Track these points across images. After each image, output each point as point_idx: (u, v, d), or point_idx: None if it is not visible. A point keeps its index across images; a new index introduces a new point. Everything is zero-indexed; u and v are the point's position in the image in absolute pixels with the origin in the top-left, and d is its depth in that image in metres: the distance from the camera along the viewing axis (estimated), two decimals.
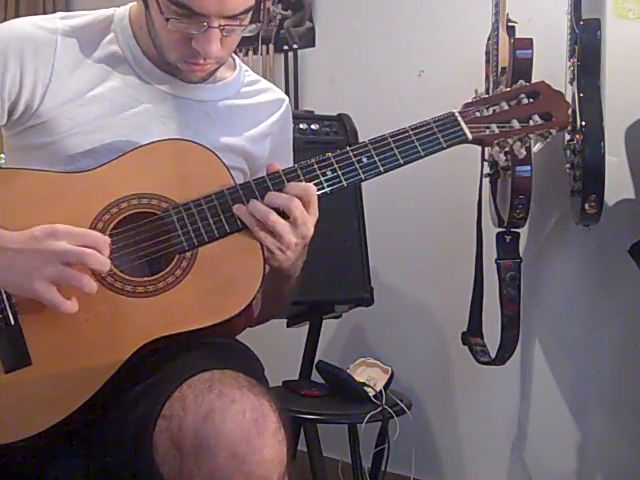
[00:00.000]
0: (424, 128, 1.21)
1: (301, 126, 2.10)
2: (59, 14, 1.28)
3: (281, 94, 1.43)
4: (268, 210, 1.13)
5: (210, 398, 0.99)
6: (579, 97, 1.90)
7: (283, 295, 1.31)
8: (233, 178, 1.18)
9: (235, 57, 1.38)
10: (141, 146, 1.18)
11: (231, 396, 0.99)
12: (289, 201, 1.13)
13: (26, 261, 1.06)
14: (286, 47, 2.66)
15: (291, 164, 1.43)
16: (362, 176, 1.18)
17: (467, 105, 1.24)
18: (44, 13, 3.22)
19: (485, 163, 2.07)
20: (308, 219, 1.14)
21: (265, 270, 1.13)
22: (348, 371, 2.05)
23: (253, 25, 1.21)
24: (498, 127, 1.23)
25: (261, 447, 0.96)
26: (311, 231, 1.15)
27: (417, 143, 1.20)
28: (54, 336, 1.08)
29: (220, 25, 1.16)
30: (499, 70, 1.96)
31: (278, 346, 2.40)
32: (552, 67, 2.00)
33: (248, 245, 1.14)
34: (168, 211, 1.14)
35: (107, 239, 1.09)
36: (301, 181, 1.16)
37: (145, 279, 1.12)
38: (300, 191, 1.14)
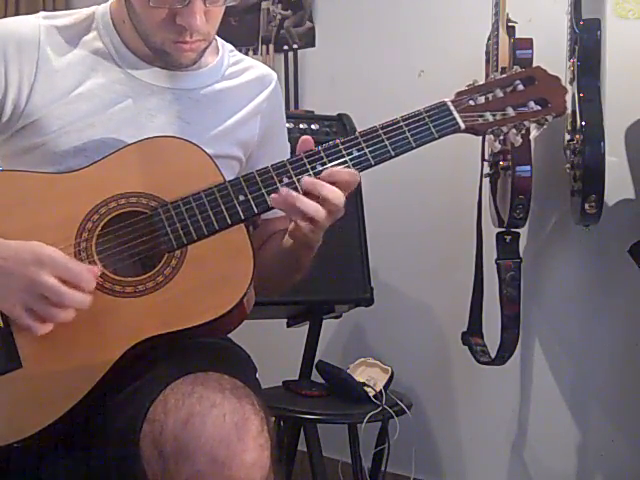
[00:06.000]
0: (415, 118, 1.18)
1: (301, 126, 2.10)
2: (42, 14, 1.28)
3: (267, 70, 1.41)
4: (305, 200, 1.11)
5: (191, 402, 0.98)
6: (579, 97, 1.90)
7: (305, 264, 1.29)
8: (222, 174, 1.17)
9: (218, 39, 1.37)
10: (129, 145, 1.18)
11: (212, 400, 0.98)
12: (323, 188, 1.11)
13: (7, 282, 1.06)
14: (286, 47, 2.66)
15: (286, 144, 1.42)
16: (352, 170, 1.16)
17: (460, 93, 1.21)
18: None
19: (485, 163, 2.07)
20: (337, 198, 1.13)
21: (255, 268, 1.12)
22: (348, 371, 2.05)
23: None
24: (492, 115, 1.20)
25: (241, 451, 0.96)
26: (342, 211, 1.14)
27: (408, 134, 1.17)
28: (44, 338, 1.07)
29: None
30: (499, 70, 1.96)
31: (278, 346, 2.40)
32: (552, 67, 1.98)
33: (238, 242, 1.13)
34: (157, 210, 1.14)
35: (94, 270, 1.08)
36: (290, 176, 1.14)
37: (135, 279, 1.11)
38: (344, 177, 1.13)
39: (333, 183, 1.13)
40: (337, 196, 1.12)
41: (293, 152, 1.28)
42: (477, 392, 2.36)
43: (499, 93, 1.21)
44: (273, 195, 1.13)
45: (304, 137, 1.17)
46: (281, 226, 1.34)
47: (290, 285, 1.36)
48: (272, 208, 1.15)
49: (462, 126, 1.19)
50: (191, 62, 1.25)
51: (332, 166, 1.15)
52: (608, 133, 1.87)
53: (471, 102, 1.20)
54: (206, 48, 1.26)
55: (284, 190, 1.12)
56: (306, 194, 1.12)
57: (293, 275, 1.32)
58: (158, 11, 1.18)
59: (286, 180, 1.14)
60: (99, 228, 1.12)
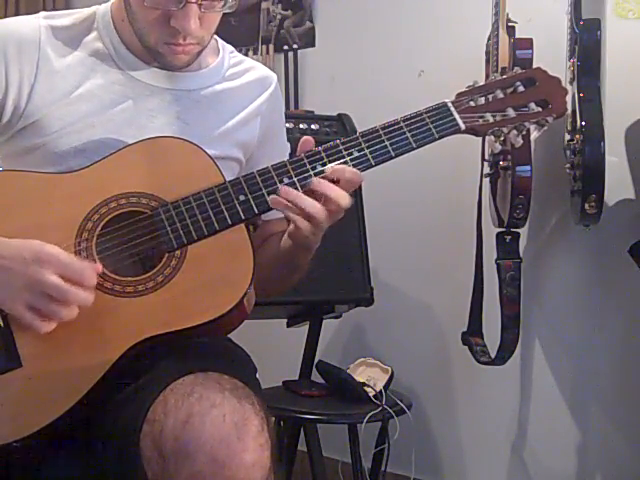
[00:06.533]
0: (416, 119, 1.19)
1: (301, 126, 2.11)
2: (42, 14, 1.28)
3: (268, 71, 1.41)
4: (306, 198, 1.12)
5: (190, 402, 0.98)
6: (579, 97, 1.90)
7: (303, 266, 1.30)
8: (222, 174, 1.17)
9: (218, 39, 1.37)
10: (129, 145, 1.18)
11: (212, 400, 0.98)
12: (327, 188, 1.12)
13: (9, 281, 1.05)
14: (286, 47, 2.66)
15: (286, 145, 1.42)
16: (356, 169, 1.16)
17: (460, 94, 1.21)
18: None
19: (485, 163, 2.07)
20: (342, 199, 1.14)
21: (255, 267, 1.12)
22: (348, 371, 2.05)
23: (233, 1, 1.20)
24: (492, 116, 1.20)
25: (241, 451, 0.96)
26: (342, 212, 1.15)
27: (409, 134, 1.17)
28: (44, 337, 1.07)
29: (198, 0, 1.16)
30: (499, 70, 1.96)
31: (278, 346, 2.40)
32: (552, 67, 1.98)
33: (238, 242, 1.14)
34: (157, 210, 1.14)
35: (95, 267, 1.08)
36: (291, 176, 1.14)
37: (135, 278, 1.11)
38: (349, 175, 1.13)
39: (337, 181, 1.13)
40: (340, 195, 1.13)
41: (293, 152, 1.29)
42: (477, 392, 2.36)
43: (499, 94, 1.22)
44: (273, 196, 1.13)
45: (305, 137, 1.18)
46: (279, 228, 1.34)
47: (288, 287, 1.36)
48: (272, 208, 1.15)
49: (462, 127, 1.20)
50: (184, 64, 1.25)
51: (332, 167, 1.15)
52: (608, 133, 1.87)
53: (471, 103, 1.21)
54: (201, 51, 1.26)
55: (284, 188, 1.13)
56: (307, 194, 1.13)
57: (291, 277, 1.32)
58: (153, 11, 1.18)
59: (286, 180, 1.15)
60: (99, 228, 1.12)
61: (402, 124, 1.18)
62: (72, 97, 1.23)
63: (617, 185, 2.03)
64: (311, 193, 1.13)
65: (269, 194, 1.14)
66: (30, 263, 1.05)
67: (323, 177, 1.14)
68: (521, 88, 1.22)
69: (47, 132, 1.21)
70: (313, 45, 2.66)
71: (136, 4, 1.19)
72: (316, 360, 2.14)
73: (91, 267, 1.07)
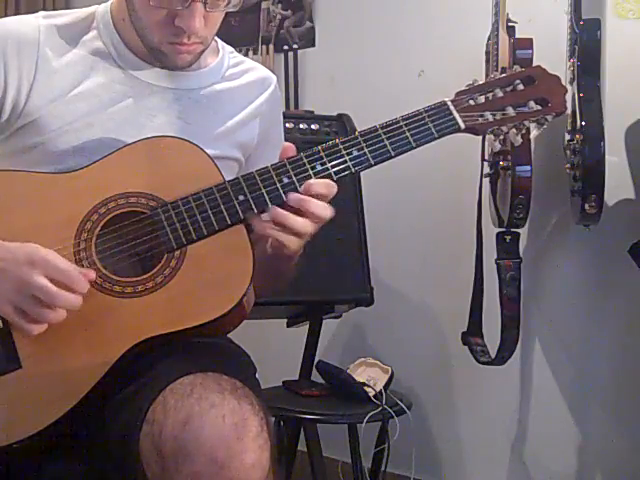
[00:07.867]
0: (415, 118, 1.18)
1: (301, 126, 2.10)
2: (42, 13, 1.28)
3: (267, 72, 1.41)
4: (296, 218, 1.12)
5: (190, 403, 0.98)
6: (579, 97, 1.90)
7: (286, 273, 1.29)
8: (222, 174, 1.17)
9: (217, 39, 1.37)
10: (128, 144, 1.18)
11: (211, 400, 0.98)
12: (310, 204, 1.12)
13: (1, 282, 1.06)
14: (286, 47, 2.66)
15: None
16: (352, 169, 1.16)
17: (460, 93, 1.21)
18: None
19: (485, 163, 2.07)
20: (324, 212, 1.14)
21: (255, 266, 1.12)
22: (348, 371, 2.05)
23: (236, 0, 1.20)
24: (492, 115, 1.20)
25: (241, 452, 0.96)
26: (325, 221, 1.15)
27: (408, 134, 1.17)
28: (43, 339, 1.07)
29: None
30: (499, 70, 1.96)
31: (278, 346, 2.40)
32: (552, 67, 1.97)
33: (237, 242, 1.13)
34: (156, 210, 1.13)
35: (88, 274, 1.07)
36: (290, 176, 1.14)
37: (134, 279, 1.11)
38: (320, 189, 1.13)
39: (311, 196, 1.13)
40: (323, 209, 1.13)
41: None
42: (477, 392, 2.36)
43: (499, 93, 1.21)
44: (262, 223, 1.13)
45: (287, 144, 1.18)
46: None
47: (270, 293, 1.35)
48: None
49: (462, 126, 1.19)
50: (187, 64, 1.25)
51: (332, 166, 1.15)
52: (608, 133, 1.86)
53: (471, 102, 1.20)
54: (203, 51, 1.26)
55: (273, 210, 1.12)
56: (287, 209, 1.12)
57: (274, 283, 1.32)
58: (157, 10, 1.18)
59: (286, 180, 1.14)
60: (98, 228, 1.12)
61: (401, 123, 1.18)
62: (71, 96, 1.23)
63: (617, 185, 2.03)
64: (290, 208, 1.12)
65: (268, 194, 1.14)
66: (22, 265, 1.05)
67: (299, 194, 1.13)
68: (520, 86, 1.22)
69: (46, 131, 1.21)
70: (313, 45, 2.66)
71: (140, 3, 1.19)
72: (316, 360, 2.14)
73: (82, 272, 1.07)
